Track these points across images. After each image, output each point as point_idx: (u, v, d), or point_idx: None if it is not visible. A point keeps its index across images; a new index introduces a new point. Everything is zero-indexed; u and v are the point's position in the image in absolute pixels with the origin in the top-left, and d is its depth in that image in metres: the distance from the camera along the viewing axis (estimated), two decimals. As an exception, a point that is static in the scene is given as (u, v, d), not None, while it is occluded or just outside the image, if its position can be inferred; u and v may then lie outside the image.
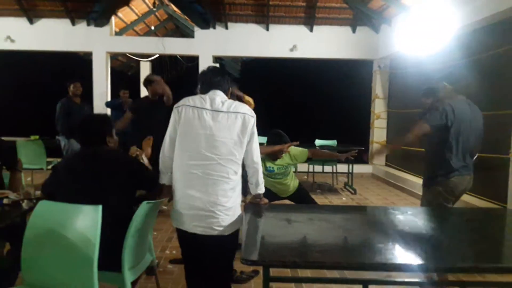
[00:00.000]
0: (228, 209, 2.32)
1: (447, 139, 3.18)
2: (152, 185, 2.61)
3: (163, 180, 2.50)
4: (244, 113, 2.38)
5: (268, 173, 3.83)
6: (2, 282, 2.44)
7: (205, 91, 2.50)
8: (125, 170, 2.50)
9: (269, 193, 3.60)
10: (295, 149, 3.88)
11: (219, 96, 2.44)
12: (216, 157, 2.29)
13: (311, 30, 8.88)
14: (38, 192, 2.75)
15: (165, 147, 2.44)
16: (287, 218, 2.58)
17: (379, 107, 9.19)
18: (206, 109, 2.35)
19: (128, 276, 2.33)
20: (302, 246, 2.13)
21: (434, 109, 3.22)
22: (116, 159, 2.55)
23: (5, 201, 2.61)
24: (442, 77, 3.38)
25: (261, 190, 2.63)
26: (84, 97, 6.37)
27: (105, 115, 2.82)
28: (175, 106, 2.42)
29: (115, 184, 2.43)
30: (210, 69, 2.67)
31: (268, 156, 3.77)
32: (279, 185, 3.92)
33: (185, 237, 2.40)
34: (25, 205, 2.63)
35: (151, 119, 4.62)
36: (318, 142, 7.87)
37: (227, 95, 2.53)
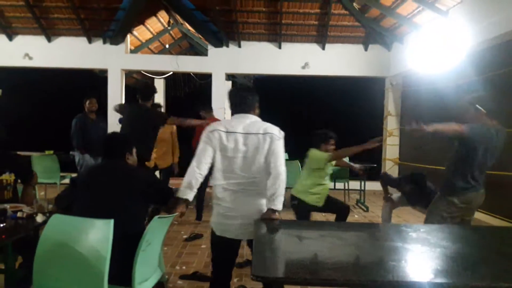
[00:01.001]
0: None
1: (475, 156, 3.22)
2: (165, 200, 2.67)
3: (187, 195, 2.58)
4: (272, 133, 2.60)
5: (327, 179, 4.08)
6: None
7: (236, 112, 2.72)
8: (141, 185, 2.55)
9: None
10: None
11: (248, 118, 2.65)
12: (251, 175, 2.59)
13: (323, 48, 8.94)
14: (51, 206, 2.78)
15: (199, 166, 2.57)
16: (298, 235, 2.56)
17: (391, 125, 9.15)
18: (238, 132, 2.57)
19: (139, 291, 2.33)
20: (313, 263, 2.11)
21: (480, 123, 3.23)
22: (133, 174, 2.62)
23: (19, 214, 2.64)
24: (472, 98, 3.38)
25: (278, 205, 2.65)
26: (99, 114, 6.46)
27: (128, 136, 2.93)
28: (209, 130, 2.63)
29: (130, 198, 2.47)
30: (240, 90, 2.83)
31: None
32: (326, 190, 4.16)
33: (227, 243, 2.68)
34: (38, 218, 2.66)
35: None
36: (330, 159, 7.84)
37: (255, 112, 2.74)
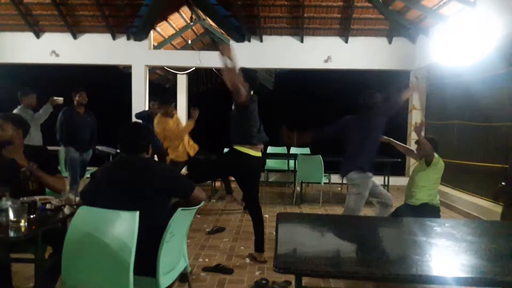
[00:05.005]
0: None
1: None
2: (186, 193, 2.68)
3: None
4: None
5: None
6: (44, 283, 2.54)
7: None
8: (161, 178, 2.57)
9: None
10: None
11: None
12: None
13: (346, 41, 8.84)
14: (78, 199, 2.85)
15: None
16: (321, 229, 2.56)
17: (416, 119, 8.98)
18: None
19: (163, 281, 2.37)
20: (336, 256, 2.11)
21: None
22: (153, 168, 2.64)
23: (47, 206, 2.72)
24: None
25: None
26: (88, 108, 6.22)
27: (149, 126, 2.91)
28: None
29: (151, 192, 2.51)
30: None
31: None
32: None
33: None
34: (66, 210, 2.74)
35: None
36: (353, 153, 7.77)
37: None
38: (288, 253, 2.07)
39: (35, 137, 5.83)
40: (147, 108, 9.04)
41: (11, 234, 2.25)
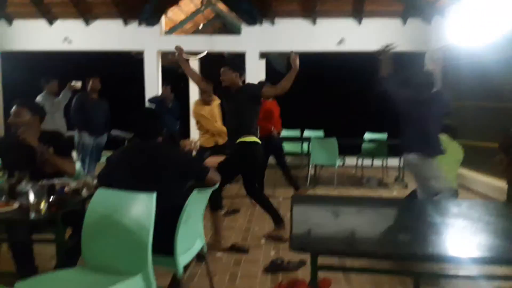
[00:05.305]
0: None
1: None
2: (201, 176, 2.73)
3: None
4: None
5: None
6: (65, 262, 2.61)
7: None
8: (175, 163, 2.62)
9: None
10: None
11: None
12: None
13: (359, 23, 8.70)
14: (96, 182, 2.89)
15: None
16: (335, 210, 2.57)
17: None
18: None
19: (181, 260, 2.42)
20: (351, 236, 2.12)
21: None
22: (167, 152, 2.69)
23: (66, 189, 2.77)
24: None
25: None
26: (102, 94, 6.28)
27: (160, 112, 2.95)
28: None
29: (166, 175, 2.55)
30: None
31: None
32: None
33: None
34: (84, 193, 2.79)
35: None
36: (367, 135, 7.72)
37: None
38: (304, 233, 2.08)
39: (59, 123, 5.95)
40: (159, 93, 9.08)
41: (32, 216, 2.31)
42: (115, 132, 7.32)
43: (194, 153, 5.01)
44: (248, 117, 3.99)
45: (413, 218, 2.48)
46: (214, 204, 3.81)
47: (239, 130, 3.95)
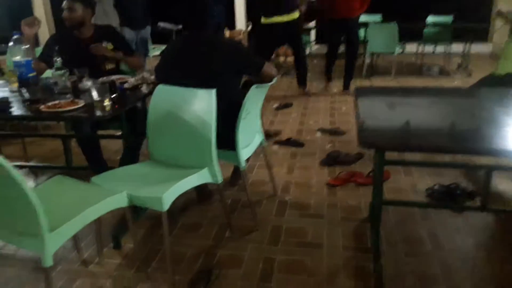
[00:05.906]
0: None
1: None
2: (256, 69, 2.60)
3: None
4: None
5: None
6: (129, 155, 2.76)
7: None
8: (230, 55, 2.49)
9: None
10: None
11: None
12: None
13: None
14: (153, 77, 2.87)
15: None
16: (392, 102, 2.40)
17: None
18: None
19: (243, 154, 2.47)
20: (420, 131, 1.99)
21: None
22: (221, 45, 2.55)
23: (125, 85, 2.77)
24: None
25: None
26: None
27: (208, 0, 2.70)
28: None
29: (221, 69, 2.45)
30: None
31: None
32: None
33: None
34: (144, 89, 2.78)
35: None
36: (430, 18, 7.04)
37: None
38: (370, 127, 1.98)
39: (112, 16, 5.82)
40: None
41: (98, 113, 2.35)
42: (162, 24, 7.12)
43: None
44: None
45: (471, 111, 2.27)
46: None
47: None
